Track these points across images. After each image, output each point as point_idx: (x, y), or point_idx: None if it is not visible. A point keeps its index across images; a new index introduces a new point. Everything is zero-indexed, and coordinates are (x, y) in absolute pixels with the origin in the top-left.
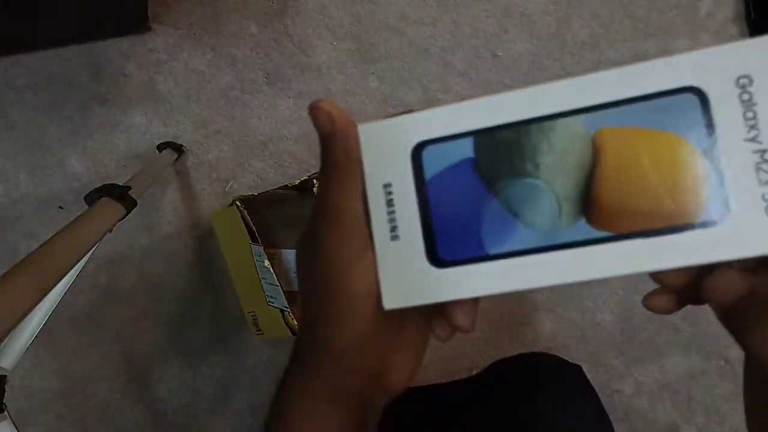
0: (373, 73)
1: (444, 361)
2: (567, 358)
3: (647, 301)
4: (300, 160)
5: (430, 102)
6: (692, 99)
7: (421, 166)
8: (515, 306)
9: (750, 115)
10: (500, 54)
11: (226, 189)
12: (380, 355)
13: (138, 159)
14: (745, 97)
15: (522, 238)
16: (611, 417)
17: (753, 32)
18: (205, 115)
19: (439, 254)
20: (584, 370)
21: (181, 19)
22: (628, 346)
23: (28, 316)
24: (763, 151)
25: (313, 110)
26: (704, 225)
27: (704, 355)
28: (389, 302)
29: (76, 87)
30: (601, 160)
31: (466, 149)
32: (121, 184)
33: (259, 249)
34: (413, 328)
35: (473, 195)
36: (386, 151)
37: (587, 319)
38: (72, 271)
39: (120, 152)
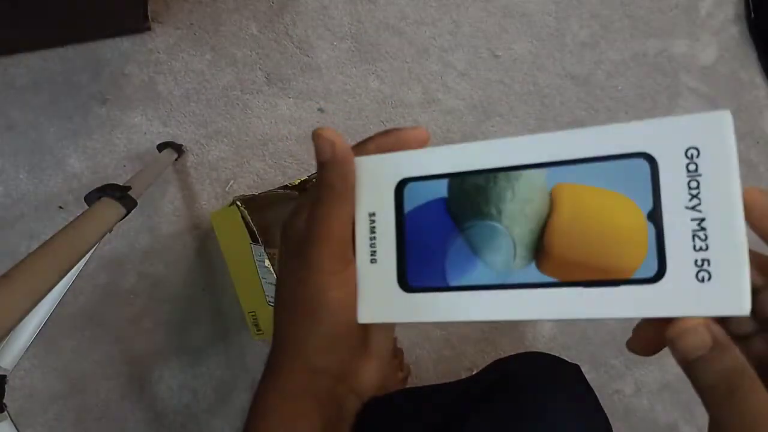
0: (373, 73)
1: (444, 361)
2: (567, 358)
3: (629, 344)
4: (300, 160)
5: (430, 102)
6: (643, 164)
7: (401, 200)
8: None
9: (694, 184)
10: (500, 54)
11: (226, 189)
12: (347, 359)
13: (138, 159)
14: (692, 167)
15: (479, 274)
16: (611, 417)
17: (753, 32)
18: (205, 115)
19: (408, 281)
20: (584, 370)
21: (181, 19)
22: None
23: (28, 316)
24: (701, 220)
25: (316, 137)
26: (639, 282)
27: None
28: (362, 317)
29: (76, 87)
30: (555, 213)
31: (440, 189)
32: (121, 184)
33: (259, 249)
34: (378, 340)
35: (443, 231)
36: (375, 184)
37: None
38: (72, 271)
39: (120, 152)
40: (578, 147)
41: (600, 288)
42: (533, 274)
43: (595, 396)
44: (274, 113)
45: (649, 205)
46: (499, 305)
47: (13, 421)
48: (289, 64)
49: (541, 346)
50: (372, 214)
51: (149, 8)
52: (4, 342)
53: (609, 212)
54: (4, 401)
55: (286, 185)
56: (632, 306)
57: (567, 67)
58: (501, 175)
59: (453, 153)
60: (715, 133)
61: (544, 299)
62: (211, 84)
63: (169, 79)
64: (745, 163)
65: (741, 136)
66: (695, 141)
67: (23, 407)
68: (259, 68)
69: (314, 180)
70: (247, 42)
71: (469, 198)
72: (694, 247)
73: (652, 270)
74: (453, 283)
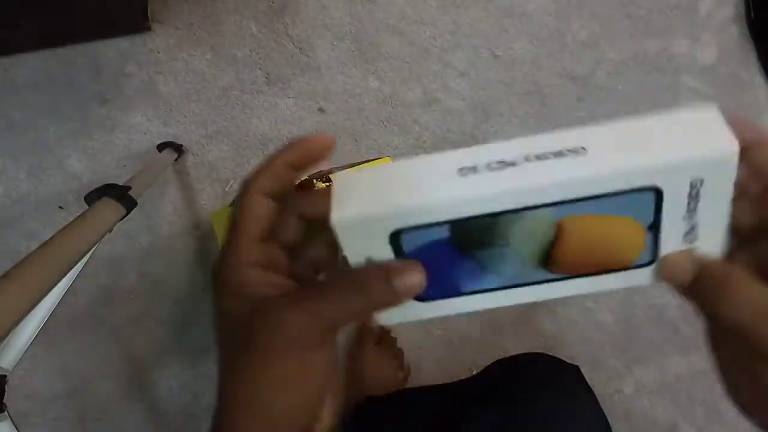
0: (373, 73)
1: (444, 361)
2: (567, 358)
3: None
4: None
5: (430, 102)
6: (650, 195)
7: (400, 246)
8: (516, 306)
9: (692, 204)
10: (500, 54)
11: (226, 189)
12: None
13: (138, 159)
14: (694, 192)
15: (491, 281)
16: (611, 417)
17: (753, 32)
18: (205, 115)
19: (421, 296)
20: (584, 370)
21: (181, 19)
22: (628, 346)
23: (28, 316)
24: (694, 226)
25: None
26: (636, 267)
27: (704, 355)
28: (382, 320)
29: (76, 87)
30: (563, 240)
31: (442, 232)
32: (121, 184)
33: None
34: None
35: (450, 260)
36: (364, 238)
37: (587, 319)
38: (72, 271)
39: (120, 152)
40: (587, 188)
41: (603, 275)
42: (543, 274)
43: (595, 396)
44: (274, 113)
45: (650, 221)
46: (513, 294)
47: (13, 421)
48: (289, 64)
49: (540, 346)
50: (369, 258)
51: (149, 8)
52: (4, 342)
53: (612, 232)
54: (4, 401)
55: None
56: (628, 280)
57: (567, 67)
58: (508, 215)
59: (453, 203)
60: (722, 168)
61: (554, 286)
62: (211, 84)
63: (169, 79)
64: None
65: None
66: (702, 174)
67: (23, 407)
68: (259, 68)
69: (314, 180)
70: (247, 42)
71: (475, 235)
72: (684, 242)
73: (646, 260)
74: (466, 290)
